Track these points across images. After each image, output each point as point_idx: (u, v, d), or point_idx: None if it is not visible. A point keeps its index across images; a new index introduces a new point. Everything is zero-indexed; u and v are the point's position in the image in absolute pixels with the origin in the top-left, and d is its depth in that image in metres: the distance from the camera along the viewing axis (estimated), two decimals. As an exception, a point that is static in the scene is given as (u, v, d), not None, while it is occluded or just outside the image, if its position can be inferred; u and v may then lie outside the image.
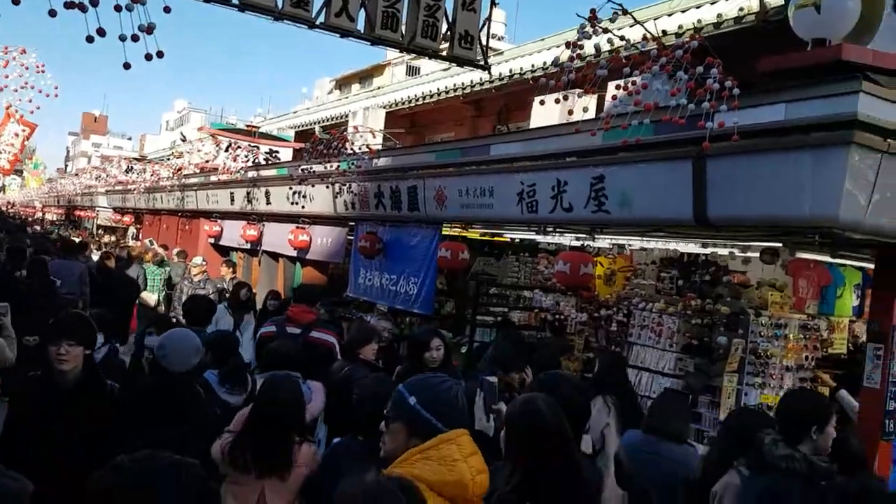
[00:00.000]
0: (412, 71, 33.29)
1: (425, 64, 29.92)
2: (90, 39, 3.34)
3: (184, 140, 22.70)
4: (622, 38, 4.45)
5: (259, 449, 3.19)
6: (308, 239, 10.21)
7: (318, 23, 5.35)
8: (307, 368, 4.52)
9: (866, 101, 3.72)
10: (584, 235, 6.11)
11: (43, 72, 7.63)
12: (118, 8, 3.29)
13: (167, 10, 3.59)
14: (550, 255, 8.02)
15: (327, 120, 16.69)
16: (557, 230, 6.43)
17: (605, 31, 4.25)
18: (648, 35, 4.47)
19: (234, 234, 12.72)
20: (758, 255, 5.05)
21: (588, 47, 4.34)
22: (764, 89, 4.26)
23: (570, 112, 4.41)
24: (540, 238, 7.48)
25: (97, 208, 25.59)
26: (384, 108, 14.42)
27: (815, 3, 3.94)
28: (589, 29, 4.24)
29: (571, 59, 4.18)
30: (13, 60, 7.52)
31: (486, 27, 6.04)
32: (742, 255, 5.31)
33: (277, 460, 3.19)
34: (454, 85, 12.77)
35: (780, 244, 4.72)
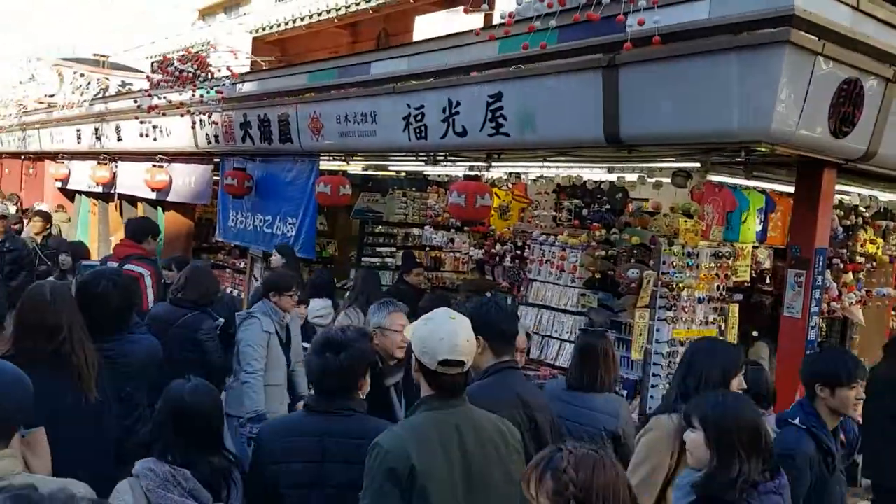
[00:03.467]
0: (284, -1, 31.15)
1: (297, -9, 27.97)
2: None
3: (32, 79, 20.21)
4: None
5: None
6: (167, 178, 9.04)
7: None
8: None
9: (804, -7, 3.23)
10: (479, 164, 5.49)
11: None
12: None
13: None
14: (441, 187, 7.38)
15: (191, 48, 15.06)
16: (449, 159, 5.78)
17: None
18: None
19: (84, 176, 11.24)
20: (669, 179, 4.60)
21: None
22: (684, -17, 3.70)
23: (467, 11, 3.67)
24: (429, 170, 6.82)
25: (-69, 154, 22.55)
26: (250, 32, 13.06)
27: None
28: None
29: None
30: None
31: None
32: (651, 179, 4.86)
33: None
34: (328, 6, 11.67)
35: (697, 164, 4.27)
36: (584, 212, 5.96)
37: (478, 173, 5.65)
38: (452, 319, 2.32)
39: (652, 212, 5.42)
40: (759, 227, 5.72)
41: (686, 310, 5.03)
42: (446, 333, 2.27)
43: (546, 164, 5.33)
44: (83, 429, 2.73)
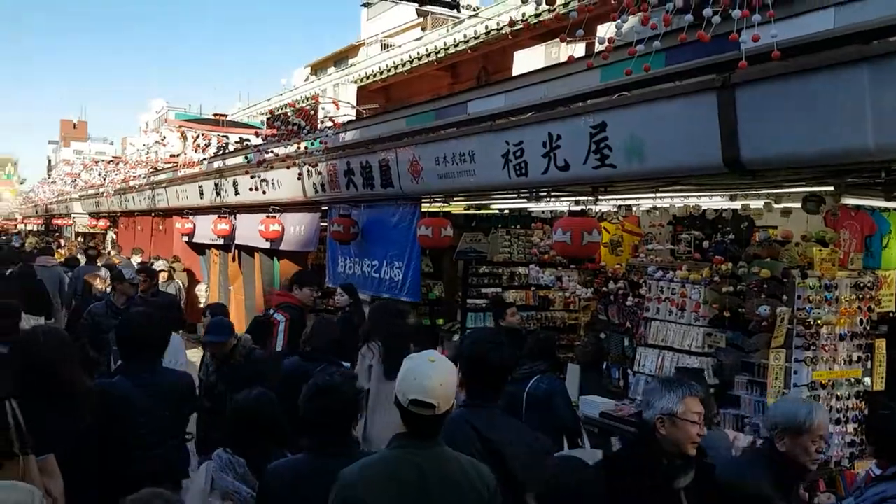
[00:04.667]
0: (388, 48, 32.18)
1: (400, 39, 28.87)
2: None
3: (163, 138, 21.90)
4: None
5: None
6: (280, 228, 9.31)
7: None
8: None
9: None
10: (584, 198, 5.23)
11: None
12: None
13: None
14: (546, 224, 7.14)
15: (298, 103, 15.70)
16: (552, 194, 5.55)
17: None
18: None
19: (207, 229, 11.81)
20: (798, 204, 4.16)
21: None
22: (804, -9, 3.36)
23: (563, 39, 3.49)
24: (532, 206, 6.60)
25: (73, 215, 24.74)
26: (355, 83, 13.45)
27: None
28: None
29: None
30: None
31: (452, -41, 5.06)
32: (779, 206, 4.42)
33: None
34: (427, 50, 11.83)
35: (830, 188, 3.83)
36: (705, 244, 5.52)
37: (584, 207, 5.39)
38: (431, 362, 2.37)
39: (782, 241, 4.93)
40: (904, 252, 5.12)
41: (827, 349, 4.49)
42: (420, 374, 2.33)
43: (659, 194, 4.99)
44: (81, 451, 3.15)
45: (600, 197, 5.21)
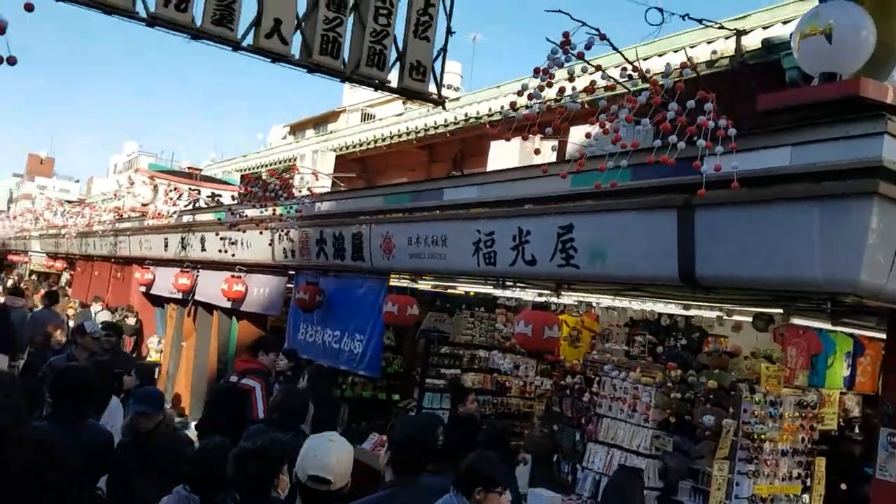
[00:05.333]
0: (368, 118, 32.90)
1: (381, 110, 29.55)
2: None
3: (131, 184, 21.80)
4: (598, 67, 3.80)
5: None
6: (243, 289, 9.29)
7: (244, 45, 4.63)
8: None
9: (892, 144, 3.12)
10: (548, 292, 5.40)
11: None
12: None
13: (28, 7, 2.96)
14: (510, 311, 7.29)
15: (276, 163, 15.90)
16: (518, 285, 5.71)
17: (580, 56, 3.59)
18: (629, 65, 3.82)
19: (167, 282, 11.71)
20: (749, 319, 4.38)
21: (551, 92, 3.66)
22: (764, 130, 3.66)
23: (537, 152, 3.72)
24: (498, 292, 6.76)
25: (30, 252, 24.19)
26: (335, 151, 13.72)
27: (825, 32, 3.36)
28: (560, 55, 3.57)
29: (541, 87, 3.51)
30: None
31: (441, 58, 5.36)
32: (730, 318, 4.64)
33: None
34: (407, 129, 12.18)
35: (779, 310, 4.05)
36: (659, 348, 5.72)
37: (547, 300, 5.55)
38: (331, 441, 2.64)
39: (731, 353, 5.14)
40: (846, 373, 5.37)
41: (769, 463, 4.65)
42: (320, 452, 2.58)
43: (618, 297, 5.19)
44: None
45: (563, 292, 5.39)
